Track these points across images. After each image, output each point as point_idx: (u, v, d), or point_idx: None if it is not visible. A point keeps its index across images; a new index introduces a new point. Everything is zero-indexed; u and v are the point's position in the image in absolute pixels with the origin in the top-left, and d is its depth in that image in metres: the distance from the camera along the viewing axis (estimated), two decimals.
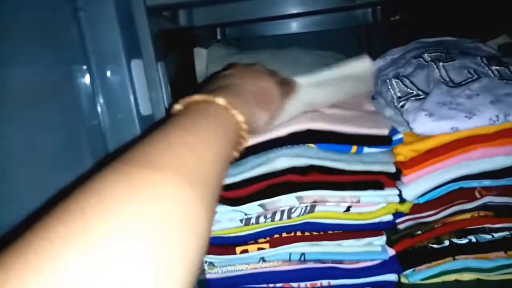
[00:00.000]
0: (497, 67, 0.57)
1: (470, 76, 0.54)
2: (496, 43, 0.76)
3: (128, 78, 0.39)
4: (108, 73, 0.39)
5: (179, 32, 0.66)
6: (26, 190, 0.33)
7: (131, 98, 0.40)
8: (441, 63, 0.58)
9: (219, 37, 0.85)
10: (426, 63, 0.60)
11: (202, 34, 0.82)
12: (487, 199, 0.49)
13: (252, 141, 0.50)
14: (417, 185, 0.49)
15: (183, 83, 0.67)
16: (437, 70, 0.57)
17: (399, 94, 0.57)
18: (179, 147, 0.27)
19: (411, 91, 0.56)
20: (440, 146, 0.48)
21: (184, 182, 0.24)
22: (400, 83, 0.59)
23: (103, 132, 0.40)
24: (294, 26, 0.88)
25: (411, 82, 0.58)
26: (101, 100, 0.39)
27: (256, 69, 0.46)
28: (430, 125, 0.48)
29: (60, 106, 0.36)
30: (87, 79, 0.39)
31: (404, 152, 0.50)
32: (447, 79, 0.55)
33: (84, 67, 0.39)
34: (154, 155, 0.26)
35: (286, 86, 0.47)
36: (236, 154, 0.36)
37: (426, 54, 0.63)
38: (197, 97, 0.34)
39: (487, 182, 0.49)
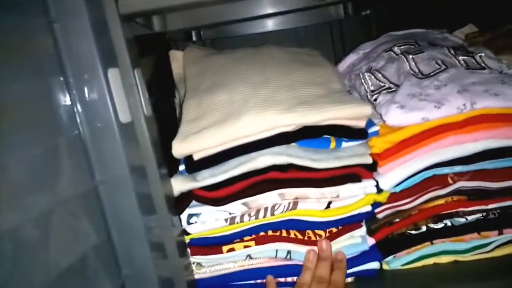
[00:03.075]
0: (463, 57, 0.59)
1: (438, 67, 0.57)
2: (463, 32, 0.78)
3: (106, 87, 0.40)
4: (86, 84, 0.40)
5: (153, 37, 0.67)
6: (2, 206, 0.33)
7: (110, 106, 0.40)
8: (410, 56, 0.60)
9: (194, 38, 0.86)
10: (396, 56, 0.63)
11: (177, 37, 0.82)
12: (459, 184, 0.52)
13: (232, 143, 0.51)
14: (392, 175, 0.51)
15: (161, 86, 0.68)
16: (407, 63, 0.59)
17: (372, 88, 0.59)
18: None
19: (383, 84, 0.58)
20: (413, 136, 0.51)
21: None
22: (373, 76, 0.61)
23: (84, 142, 0.40)
24: (269, 25, 0.89)
25: (383, 76, 0.60)
26: (80, 110, 0.40)
27: None
28: (401, 116, 0.50)
29: (39, 119, 0.37)
30: (65, 90, 0.39)
31: (378, 144, 0.52)
32: (417, 71, 0.57)
33: (61, 79, 0.39)
34: None
35: None
36: None
37: (396, 47, 0.65)
38: None
39: (458, 168, 0.52)
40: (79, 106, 0.40)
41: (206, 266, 0.54)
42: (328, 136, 0.52)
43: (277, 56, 0.69)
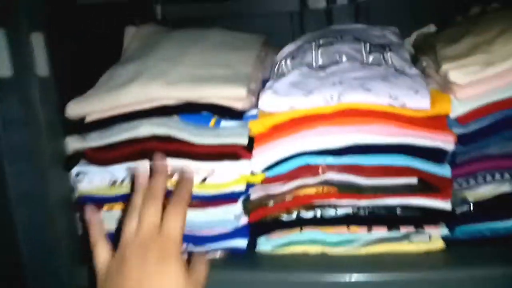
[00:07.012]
0: (374, 54, 0.59)
1: (336, 60, 0.57)
2: (422, 32, 0.77)
3: None
4: None
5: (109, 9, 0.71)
6: None
7: None
8: (320, 48, 0.61)
9: (159, 17, 0.90)
10: (311, 47, 0.63)
11: (139, 13, 0.87)
12: (328, 175, 0.52)
13: (117, 111, 0.55)
14: (261, 158, 0.53)
15: (101, 56, 0.72)
16: (312, 54, 0.60)
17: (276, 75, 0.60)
18: None
19: (285, 72, 0.59)
20: (283, 122, 0.52)
21: None
22: (283, 64, 0.62)
23: None
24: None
25: (290, 65, 0.61)
26: None
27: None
28: (271, 102, 0.51)
29: None
30: None
31: (254, 127, 0.53)
32: (315, 62, 0.58)
33: None
34: None
35: None
36: None
37: (322, 39, 0.66)
38: None
39: (330, 160, 0.52)
40: None
41: None
42: (210, 114, 0.55)
43: (213, 38, 0.71)
